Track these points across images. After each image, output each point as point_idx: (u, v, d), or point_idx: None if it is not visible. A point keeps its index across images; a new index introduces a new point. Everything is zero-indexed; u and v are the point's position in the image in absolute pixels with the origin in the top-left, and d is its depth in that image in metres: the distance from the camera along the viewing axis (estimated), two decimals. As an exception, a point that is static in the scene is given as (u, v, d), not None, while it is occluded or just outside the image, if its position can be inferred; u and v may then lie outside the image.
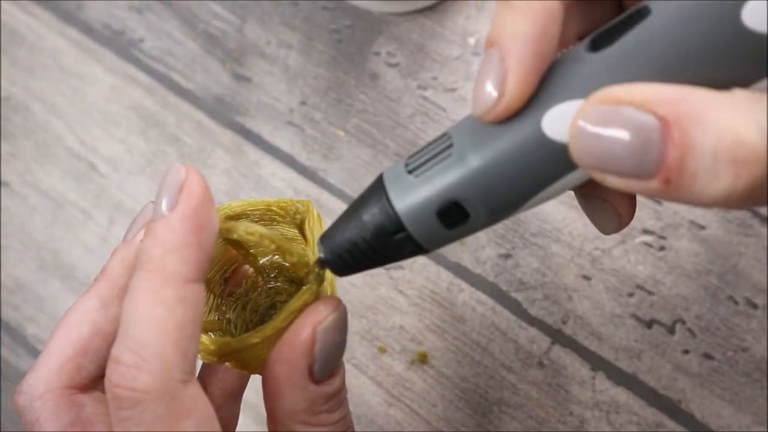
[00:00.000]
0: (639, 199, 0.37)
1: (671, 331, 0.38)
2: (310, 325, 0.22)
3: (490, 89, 0.18)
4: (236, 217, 0.25)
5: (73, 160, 0.47)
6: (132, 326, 0.19)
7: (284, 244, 0.22)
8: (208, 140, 0.45)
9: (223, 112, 0.45)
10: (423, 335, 0.40)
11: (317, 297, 0.23)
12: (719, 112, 0.15)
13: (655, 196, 0.16)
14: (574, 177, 0.19)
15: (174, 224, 0.19)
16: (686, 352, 0.37)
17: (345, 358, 0.40)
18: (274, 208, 0.25)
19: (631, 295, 0.38)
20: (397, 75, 0.44)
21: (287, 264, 0.24)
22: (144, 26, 0.48)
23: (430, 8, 0.44)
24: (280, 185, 0.43)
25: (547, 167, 0.19)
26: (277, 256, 0.26)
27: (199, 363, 0.23)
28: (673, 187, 0.16)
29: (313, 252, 0.23)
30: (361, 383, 0.40)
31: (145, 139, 0.46)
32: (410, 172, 0.20)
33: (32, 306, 0.45)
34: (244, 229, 0.22)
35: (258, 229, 0.22)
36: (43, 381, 0.22)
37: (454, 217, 0.20)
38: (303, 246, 0.25)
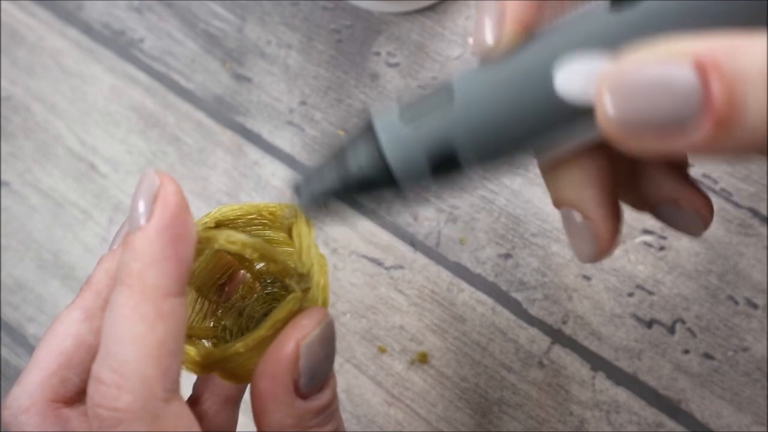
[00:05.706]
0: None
1: (671, 331, 0.38)
2: (292, 340, 0.21)
3: (490, 26, 0.19)
4: (226, 222, 0.25)
5: (73, 160, 0.47)
6: (112, 343, 0.18)
7: (267, 252, 0.22)
8: (208, 140, 0.45)
9: (223, 112, 0.45)
10: (423, 335, 0.40)
11: (304, 306, 0.22)
12: (756, 42, 0.14)
13: (700, 151, 0.15)
14: (572, 131, 0.19)
15: (151, 236, 0.19)
16: (686, 352, 0.37)
17: (345, 358, 0.40)
18: (264, 213, 0.25)
19: (631, 295, 0.38)
20: (397, 75, 0.44)
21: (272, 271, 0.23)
22: (144, 26, 0.48)
23: (430, 8, 0.44)
24: (280, 185, 0.43)
25: (548, 115, 0.18)
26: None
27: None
28: (724, 130, 0.14)
29: (299, 259, 0.22)
30: (361, 383, 0.40)
31: (145, 139, 0.46)
32: (402, 112, 0.20)
33: (32, 306, 0.45)
34: (224, 239, 0.21)
35: (239, 237, 0.21)
36: (27, 395, 0.21)
37: (445, 167, 0.19)
38: (293, 250, 0.25)
